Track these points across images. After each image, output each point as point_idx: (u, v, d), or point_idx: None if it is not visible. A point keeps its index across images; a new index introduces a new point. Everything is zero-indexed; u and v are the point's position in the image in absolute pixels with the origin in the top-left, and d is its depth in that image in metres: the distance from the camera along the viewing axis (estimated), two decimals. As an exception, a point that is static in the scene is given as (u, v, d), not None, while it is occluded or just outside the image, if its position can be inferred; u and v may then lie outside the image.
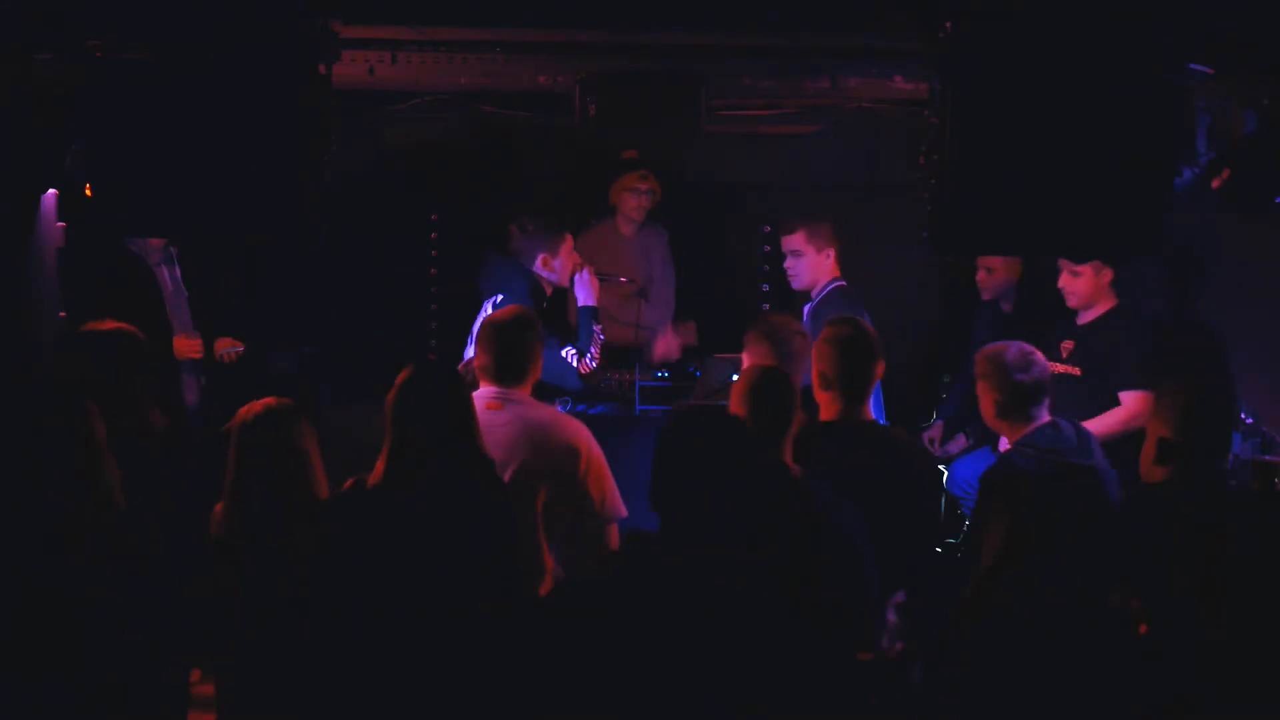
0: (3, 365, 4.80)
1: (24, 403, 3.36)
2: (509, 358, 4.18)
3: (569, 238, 5.53)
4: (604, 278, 5.71)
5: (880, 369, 4.09)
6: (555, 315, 5.64)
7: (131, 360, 4.17)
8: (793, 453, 3.75)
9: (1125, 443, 4.76)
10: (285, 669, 3.45)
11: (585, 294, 5.49)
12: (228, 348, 5.90)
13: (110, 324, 4.26)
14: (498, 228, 5.93)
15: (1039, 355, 4.22)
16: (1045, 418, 4.17)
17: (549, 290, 5.52)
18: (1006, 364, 4.18)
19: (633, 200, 6.68)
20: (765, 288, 7.35)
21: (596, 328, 5.42)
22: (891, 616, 3.58)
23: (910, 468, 4.03)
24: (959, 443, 6.02)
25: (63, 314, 5.22)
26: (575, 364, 5.27)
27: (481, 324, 4.38)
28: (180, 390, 5.66)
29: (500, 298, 5.36)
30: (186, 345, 5.75)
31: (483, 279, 5.55)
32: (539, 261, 5.42)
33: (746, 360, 4.53)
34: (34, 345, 5.09)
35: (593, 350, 5.35)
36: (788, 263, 5.66)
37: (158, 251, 5.66)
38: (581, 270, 5.52)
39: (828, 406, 4.06)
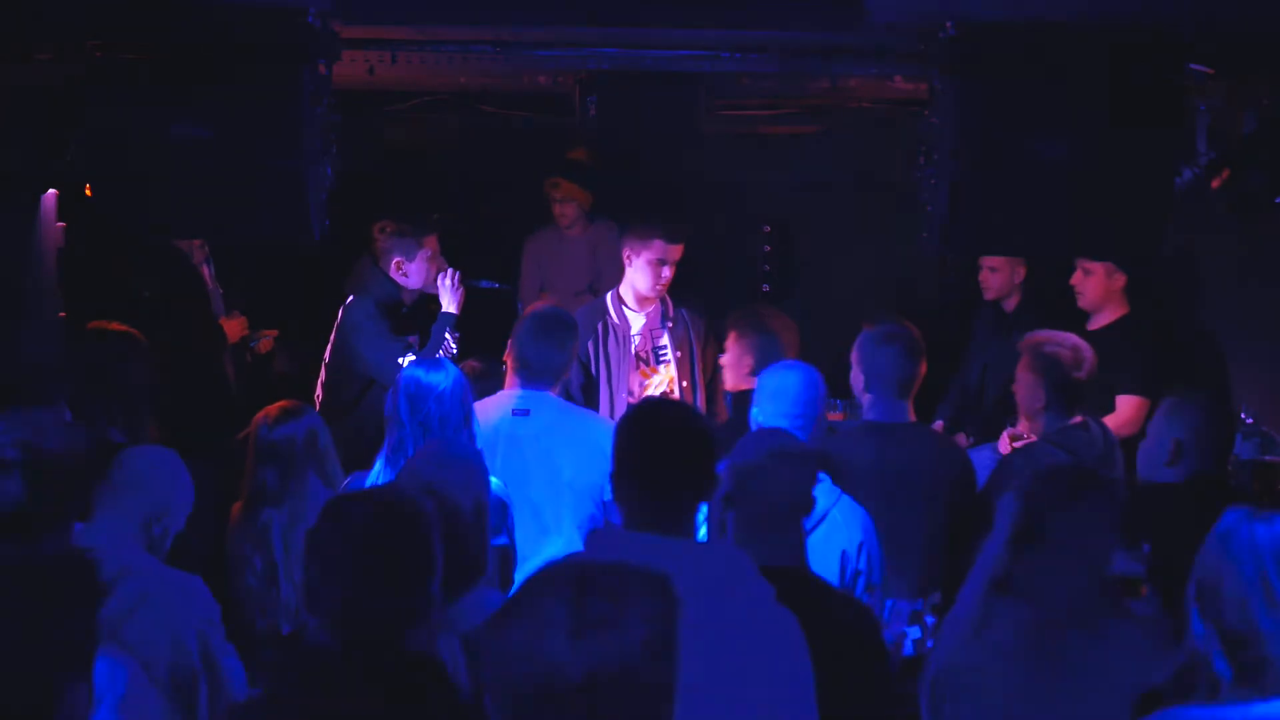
0: (3, 365, 4.79)
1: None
2: (543, 357, 4.17)
3: (431, 241, 5.34)
4: (470, 284, 5.43)
5: (924, 368, 4.07)
6: (417, 318, 5.45)
7: (131, 362, 4.17)
8: (840, 452, 3.79)
9: (1124, 444, 4.76)
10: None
11: (448, 299, 5.28)
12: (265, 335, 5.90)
13: (115, 325, 4.27)
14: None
15: (1087, 349, 4.21)
16: (1078, 417, 4.17)
17: (409, 296, 5.35)
18: (1062, 361, 4.16)
19: (554, 208, 6.67)
20: (765, 288, 7.35)
21: (450, 336, 5.22)
22: (930, 618, 3.59)
23: (953, 469, 4.03)
24: (959, 441, 6.02)
25: (62, 314, 5.22)
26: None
27: (519, 320, 4.35)
28: (228, 386, 5.61)
29: (352, 299, 5.30)
30: (236, 326, 5.69)
31: (349, 281, 5.44)
32: (392, 266, 5.29)
33: (732, 353, 4.54)
34: (34, 345, 5.09)
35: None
36: (668, 274, 5.12)
37: (199, 251, 5.65)
38: (444, 275, 5.31)
39: (872, 407, 4.05)
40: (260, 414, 3.86)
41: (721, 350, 4.81)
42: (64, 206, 5.16)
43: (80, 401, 4.05)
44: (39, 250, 5.10)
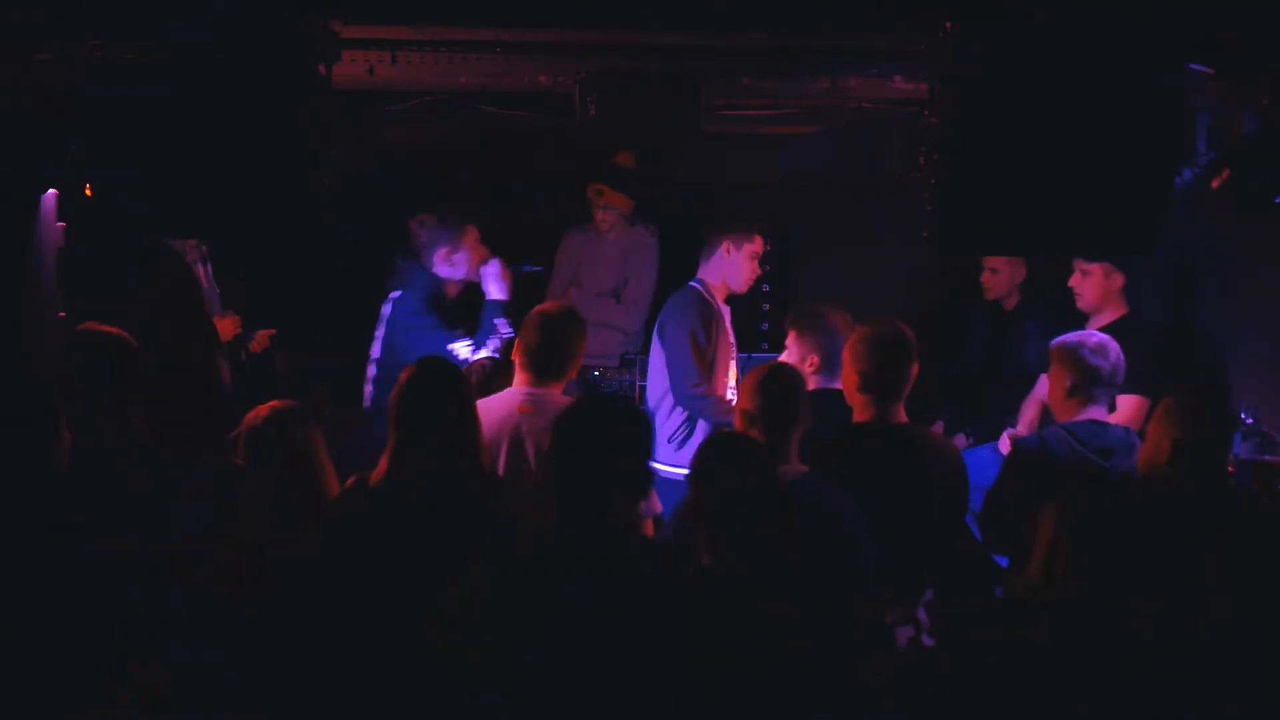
0: (3, 365, 4.80)
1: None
2: (550, 350, 4.18)
3: (472, 230, 5.42)
4: (514, 268, 5.56)
5: (916, 369, 4.09)
6: (464, 308, 5.54)
7: (123, 364, 4.17)
8: (831, 452, 3.81)
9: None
10: (289, 668, 3.45)
11: (494, 286, 5.38)
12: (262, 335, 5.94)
13: (106, 327, 4.27)
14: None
15: (1115, 346, 4.24)
16: (1098, 413, 4.18)
17: (453, 288, 5.42)
18: (1085, 347, 4.21)
19: (595, 213, 6.71)
20: (765, 288, 7.35)
21: (501, 322, 5.29)
22: (923, 615, 3.60)
23: (944, 469, 4.04)
24: (959, 442, 6.03)
25: (62, 314, 5.23)
26: (462, 357, 5.14)
27: (528, 314, 4.37)
28: (221, 384, 5.65)
29: (399, 294, 5.34)
30: (228, 325, 5.74)
31: (390, 279, 5.49)
32: (439, 256, 5.35)
33: (795, 352, 4.56)
34: (34, 345, 5.09)
35: (490, 345, 5.23)
36: (757, 269, 5.60)
37: (193, 250, 5.68)
38: (489, 262, 5.41)
39: (864, 408, 4.05)
40: (251, 413, 3.85)
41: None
42: (64, 206, 5.16)
43: (72, 403, 4.04)
44: (39, 250, 5.10)
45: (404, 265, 5.46)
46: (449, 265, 5.36)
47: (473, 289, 5.52)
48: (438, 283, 5.37)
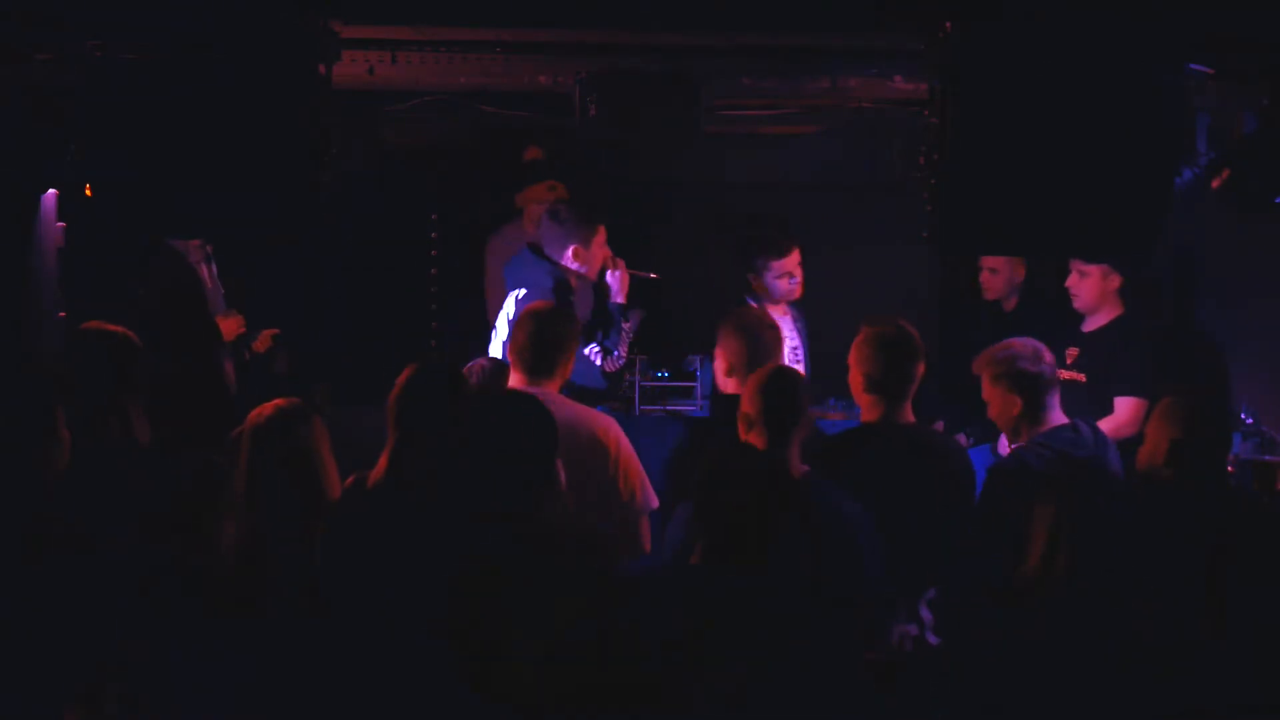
0: (3, 365, 4.80)
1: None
2: (544, 348, 4.16)
3: (602, 229, 5.35)
4: (633, 273, 5.56)
5: (922, 369, 4.08)
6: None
7: (126, 363, 4.17)
8: (838, 451, 3.84)
9: (1123, 446, 4.76)
10: (288, 668, 3.45)
11: (617, 289, 5.38)
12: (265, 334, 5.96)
13: (110, 325, 4.28)
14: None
15: (1045, 349, 4.21)
16: (1063, 418, 4.16)
17: (575, 283, 5.34)
18: (1021, 359, 4.14)
19: (540, 210, 6.58)
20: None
21: (626, 325, 5.33)
22: (926, 613, 3.61)
23: (951, 468, 4.04)
24: (959, 442, 6.02)
25: (62, 314, 5.23)
26: (600, 362, 5.19)
27: (519, 313, 4.33)
28: (224, 383, 5.64)
29: (524, 292, 5.23)
30: (232, 324, 5.74)
31: (508, 268, 5.41)
32: (570, 253, 5.25)
33: (719, 356, 4.53)
34: (34, 345, 5.10)
35: (619, 350, 5.26)
36: (795, 280, 5.83)
37: (197, 250, 5.67)
38: (614, 265, 5.40)
39: (870, 408, 4.06)
40: (254, 411, 3.85)
41: None
42: (64, 206, 5.17)
43: (75, 402, 4.05)
44: (39, 250, 5.11)
45: (527, 258, 5.32)
46: (579, 263, 5.25)
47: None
48: (563, 281, 5.24)
